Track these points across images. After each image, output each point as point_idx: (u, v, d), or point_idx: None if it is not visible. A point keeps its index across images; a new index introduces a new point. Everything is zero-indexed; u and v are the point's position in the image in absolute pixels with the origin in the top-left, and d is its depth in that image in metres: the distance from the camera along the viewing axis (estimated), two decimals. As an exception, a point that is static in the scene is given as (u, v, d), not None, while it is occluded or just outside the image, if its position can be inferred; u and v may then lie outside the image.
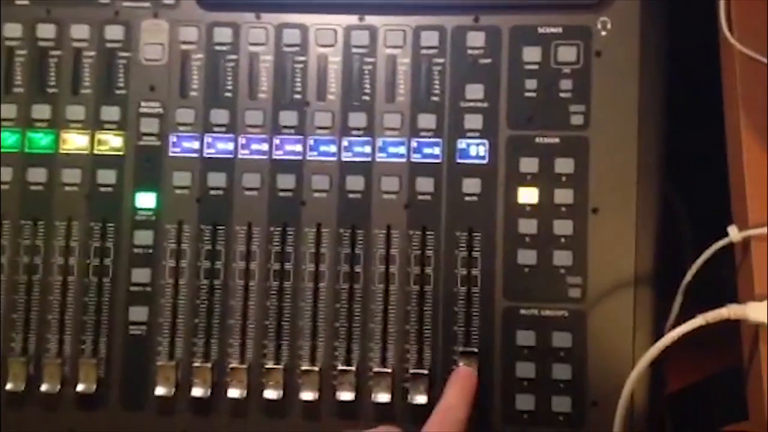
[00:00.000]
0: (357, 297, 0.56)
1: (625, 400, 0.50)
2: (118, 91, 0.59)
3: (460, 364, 0.55)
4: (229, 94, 0.59)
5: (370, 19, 0.59)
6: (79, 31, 0.60)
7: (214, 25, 0.59)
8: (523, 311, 0.55)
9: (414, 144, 0.57)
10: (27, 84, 0.59)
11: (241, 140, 0.58)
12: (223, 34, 0.59)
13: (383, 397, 0.55)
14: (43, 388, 0.56)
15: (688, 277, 0.53)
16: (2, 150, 0.59)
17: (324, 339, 0.56)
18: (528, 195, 0.56)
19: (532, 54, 0.57)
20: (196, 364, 0.56)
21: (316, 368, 0.55)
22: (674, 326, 0.52)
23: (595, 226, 0.55)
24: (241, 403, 0.56)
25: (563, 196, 0.55)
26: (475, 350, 0.55)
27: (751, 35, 0.55)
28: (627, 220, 0.55)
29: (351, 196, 0.57)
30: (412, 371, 0.55)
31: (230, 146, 0.58)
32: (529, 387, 0.54)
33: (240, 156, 0.58)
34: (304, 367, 0.56)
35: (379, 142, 0.58)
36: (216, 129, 0.58)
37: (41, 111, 0.59)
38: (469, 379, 0.53)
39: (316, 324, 0.56)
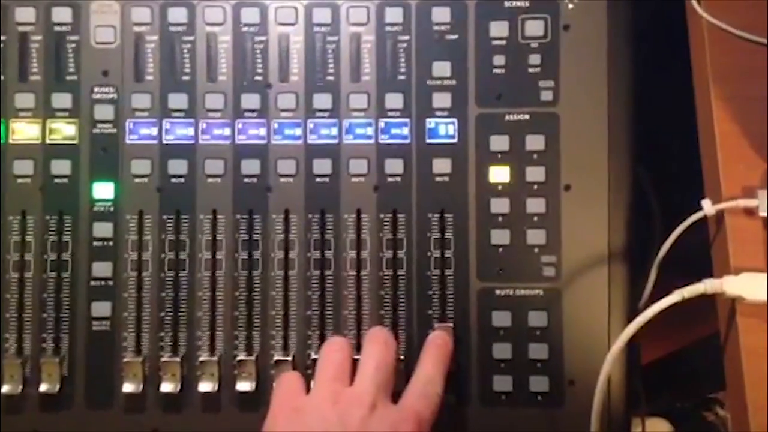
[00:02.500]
0: (328, 284, 0.50)
1: (603, 380, 0.45)
2: (68, 77, 0.51)
3: (436, 326, 0.48)
4: (187, 78, 0.51)
5: (332, -4, 0.51)
6: (24, 14, 0.51)
7: (167, 5, 0.51)
8: (498, 292, 0.49)
9: (382, 124, 0.51)
10: (-30, 71, 0.51)
11: (202, 125, 0.51)
12: (177, 14, 0.51)
13: (359, 385, 0.48)
14: (4, 389, 0.50)
15: (662, 252, 0.48)
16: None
17: (296, 328, 0.50)
18: (499, 174, 0.50)
19: (499, 29, 0.51)
20: (165, 359, 0.49)
21: (289, 358, 0.49)
22: (649, 302, 0.47)
23: (567, 204, 0.50)
24: (213, 396, 0.49)
25: (535, 173, 0.50)
26: (450, 325, 0.48)
27: (718, 5, 0.49)
28: (599, 197, 0.50)
29: (318, 180, 0.51)
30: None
31: (190, 132, 0.51)
32: (506, 368, 0.49)
33: (201, 141, 0.51)
34: (277, 358, 0.49)
35: (346, 124, 0.51)
36: (175, 114, 0.51)
37: (-13, 99, 0.50)
38: (445, 347, 0.47)
39: (288, 313, 0.50)
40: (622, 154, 0.50)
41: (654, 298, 0.47)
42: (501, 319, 0.49)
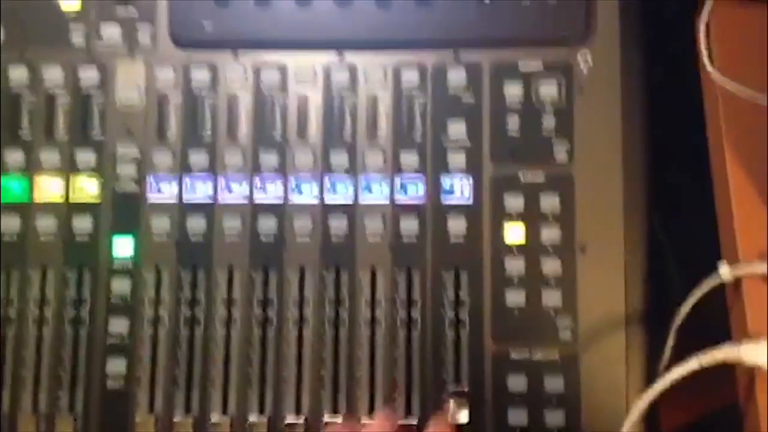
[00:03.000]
0: (343, 342, 0.48)
1: (621, 447, 0.43)
2: (93, 136, 0.51)
3: (451, 403, 0.47)
4: (207, 136, 0.51)
5: (350, 57, 0.52)
6: (52, 74, 0.51)
7: (191, 66, 0.51)
8: (513, 355, 0.48)
9: (397, 184, 0.50)
10: (-2, 129, 0.51)
11: (221, 183, 0.51)
12: (200, 75, 0.52)
13: (371, 449, 0.47)
14: (18, 447, 0.48)
15: (680, 318, 0.46)
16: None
17: (310, 388, 0.48)
18: (515, 234, 0.49)
19: (513, 90, 0.50)
20: (177, 419, 0.48)
21: (302, 421, 0.48)
22: (667, 367, 0.45)
23: (583, 265, 0.48)
24: (225, 458, 0.48)
25: (550, 234, 0.49)
26: (465, 389, 0.47)
27: (733, 67, 0.48)
28: (615, 258, 0.48)
29: (334, 238, 0.50)
30: (400, 422, 0.47)
31: (209, 189, 0.50)
32: (522, 434, 0.47)
33: (219, 199, 0.51)
34: (289, 420, 0.48)
35: (362, 181, 0.50)
36: (195, 171, 0.51)
37: (14, 157, 0.51)
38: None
39: (301, 372, 0.49)
40: (638, 215, 0.49)
41: (674, 360, 0.45)
42: (516, 383, 0.48)
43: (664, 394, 0.45)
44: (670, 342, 0.48)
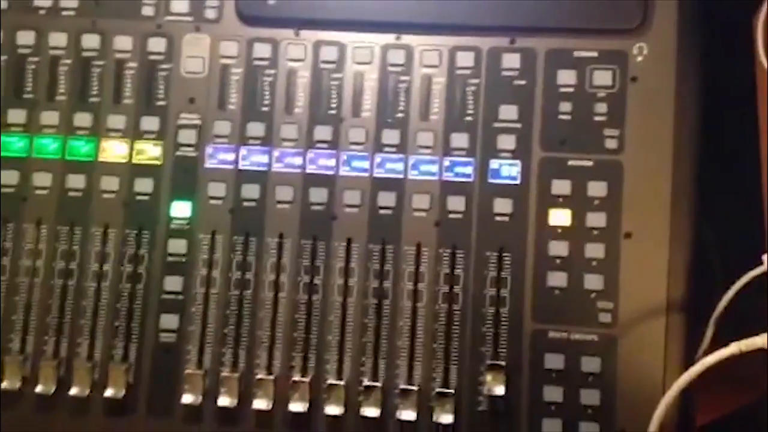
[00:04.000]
0: (385, 313, 0.49)
1: (654, 429, 0.42)
2: (158, 102, 0.53)
3: (488, 377, 0.47)
4: (265, 108, 0.52)
5: (407, 39, 0.52)
6: (123, 43, 0.53)
7: (254, 41, 0.53)
8: (552, 334, 0.48)
9: (446, 162, 0.50)
10: (70, 93, 0.53)
11: (276, 153, 0.52)
12: (262, 50, 0.53)
13: (409, 415, 0.48)
14: (73, 391, 0.50)
15: (721, 307, 0.46)
16: (44, 156, 0.52)
17: (351, 354, 0.49)
18: (560, 217, 0.49)
19: (567, 77, 0.50)
20: (224, 374, 0.49)
21: (342, 383, 0.48)
22: (706, 355, 0.45)
23: (627, 251, 0.48)
24: (267, 414, 0.49)
25: (596, 219, 0.48)
26: (502, 363, 0.47)
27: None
28: (660, 246, 0.48)
29: (382, 212, 0.50)
30: (438, 390, 0.47)
31: (265, 159, 0.52)
32: (556, 411, 0.47)
33: (274, 169, 0.52)
34: (330, 382, 0.49)
35: (412, 160, 0.51)
36: (252, 142, 0.52)
37: (83, 119, 0.52)
38: None
39: (344, 339, 0.50)
40: (684, 206, 0.49)
41: (712, 350, 0.45)
42: (554, 361, 0.48)
43: (700, 384, 0.44)
44: (710, 331, 0.47)
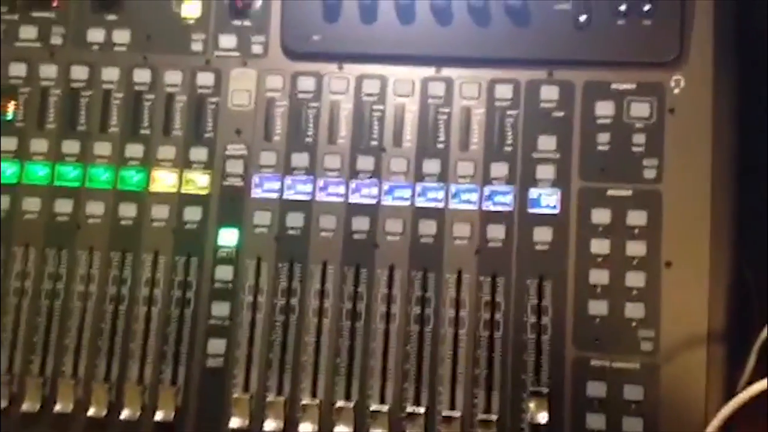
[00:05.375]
0: (427, 340, 0.49)
1: (698, 459, 0.42)
2: (206, 134, 0.54)
3: (531, 405, 0.46)
4: (309, 139, 0.53)
5: (447, 71, 0.53)
6: (173, 77, 0.54)
7: (298, 75, 0.54)
8: (593, 362, 0.48)
9: (486, 192, 0.51)
10: (122, 125, 0.54)
11: (319, 183, 0.52)
12: (306, 83, 0.54)
13: (452, 442, 0.47)
14: (124, 415, 0.50)
15: (763, 336, 0.46)
16: (96, 186, 0.53)
17: (393, 380, 0.49)
18: (600, 246, 0.49)
19: (604, 108, 0.50)
20: (270, 399, 0.50)
21: (385, 409, 0.48)
22: (748, 384, 0.44)
23: (668, 280, 0.48)
24: (312, 439, 0.49)
25: (635, 248, 0.48)
26: (545, 391, 0.47)
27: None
28: (700, 275, 0.48)
29: (423, 240, 0.51)
30: (480, 417, 0.47)
31: (309, 188, 0.52)
32: (599, 439, 0.46)
33: (317, 198, 0.52)
34: (373, 408, 0.49)
35: (452, 189, 0.51)
36: (296, 171, 0.53)
37: (134, 150, 0.54)
38: None
39: (386, 365, 0.50)
40: (724, 235, 0.48)
41: (754, 379, 0.44)
42: (596, 389, 0.47)
43: (742, 414, 0.44)
44: (752, 360, 0.47)
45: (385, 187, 0.52)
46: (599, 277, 0.48)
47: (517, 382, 0.48)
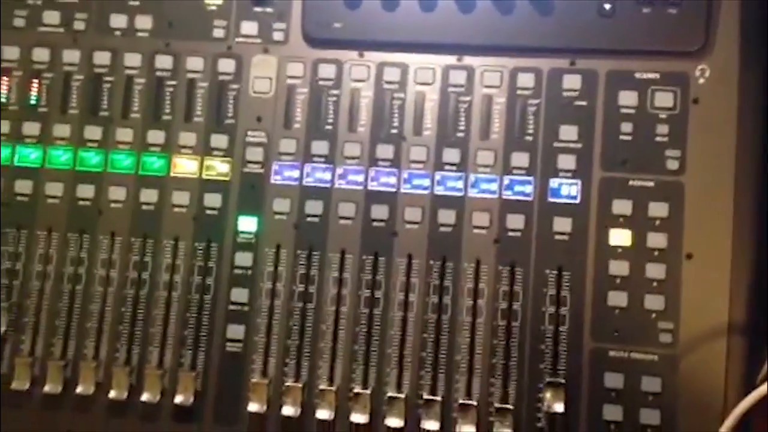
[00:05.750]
0: (444, 328, 0.50)
1: (716, 452, 0.42)
2: (227, 121, 0.54)
3: (548, 395, 0.47)
4: (329, 127, 0.53)
5: (468, 60, 0.53)
6: (194, 63, 0.55)
7: (319, 62, 0.54)
8: (611, 353, 0.48)
9: (506, 181, 0.51)
10: (143, 111, 0.55)
11: (339, 170, 0.53)
12: (327, 71, 0.54)
13: (467, 430, 0.48)
14: (144, 397, 0.51)
15: (785, 329, 0.45)
16: (118, 171, 0.54)
17: (411, 367, 0.50)
18: (620, 237, 0.49)
19: (628, 98, 0.50)
20: (288, 384, 0.50)
21: (402, 396, 0.49)
22: (767, 379, 0.44)
23: (688, 272, 0.48)
24: (329, 424, 0.50)
25: (656, 239, 0.48)
26: (562, 381, 0.47)
27: None
28: (721, 268, 0.47)
29: (442, 229, 0.51)
30: (497, 405, 0.48)
31: (328, 176, 0.53)
32: (616, 430, 0.47)
33: (337, 186, 0.53)
34: (390, 394, 0.49)
35: (472, 178, 0.51)
36: (316, 159, 0.53)
37: (156, 136, 0.54)
38: None
39: (404, 352, 0.50)
40: (746, 228, 0.48)
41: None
42: (614, 380, 0.48)
43: (760, 408, 0.43)
44: (773, 353, 0.46)
45: (405, 175, 0.52)
46: (619, 268, 0.48)
47: (534, 371, 0.49)
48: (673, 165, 0.49)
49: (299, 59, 0.55)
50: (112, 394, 0.52)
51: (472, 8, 0.53)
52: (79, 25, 0.57)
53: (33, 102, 0.56)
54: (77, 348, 0.53)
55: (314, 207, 0.53)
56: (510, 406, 0.48)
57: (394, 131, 0.53)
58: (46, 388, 0.52)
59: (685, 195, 0.49)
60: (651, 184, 0.49)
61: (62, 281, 0.54)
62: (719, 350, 0.47)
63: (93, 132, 0.56)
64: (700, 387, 0.46)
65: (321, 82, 0.54)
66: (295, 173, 0.54)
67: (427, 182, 0.52)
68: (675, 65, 0.50)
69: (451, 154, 0.52)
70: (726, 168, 0.48)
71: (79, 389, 0.52)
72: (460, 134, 0.52)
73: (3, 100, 0.57)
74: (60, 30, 0.57)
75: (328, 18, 0.54)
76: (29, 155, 0.56)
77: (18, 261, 0.54)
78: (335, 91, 0.54)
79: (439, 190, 0.52)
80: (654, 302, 0.48)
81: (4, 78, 0.57)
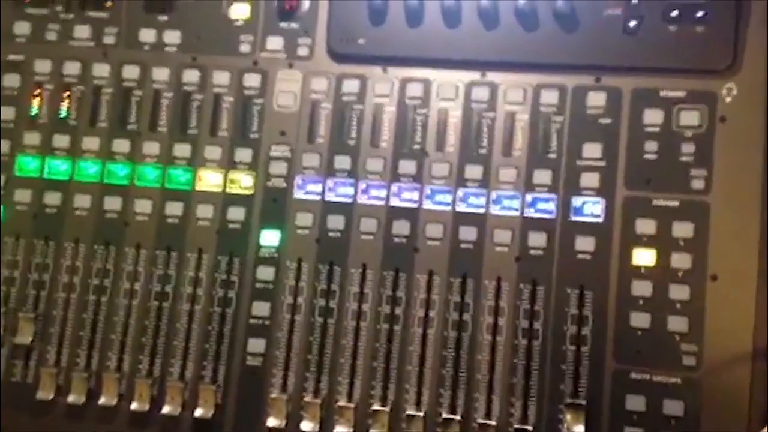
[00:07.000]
0: (464, 346, 0.51)
1: (740, 479, 0.42)
2: (251, 135, 0.56)
3: (568, 416, 0.47)
4: (352, 142, 0.55)
5: (492, 76, 0.54)
6: (221, 78, 0.57)
7: (343, 77, 0.55)
8: (633, 375, 0.48)
9: (528, 198, 0.51)
10: (170, 124, 0.57)
11: (361, 186, 0.54)
12: (351, 86, 0.55)
13: (486, 449, 0.48)
14: (165, 410, 0.53)
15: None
16: (144, 184, 0.56)
17: (429, 385, 0.51)
18: (644, 257, 0.49)
19: (653, 116, 0.51)
20: (307, 399, 0.52)
21: (421, 414, 0.50)
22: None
23: (713, 294, 0.48)
24: (347, 441, 0.51)
25: (681, 260, 0.48)
26: (583, 402, 0.47)
27: None
28: (747, 289, 0.48)
29: (463, 245, 0.52)
30: (516, 426, 0.48)
31: (350, 191, 0.54)
32: (637, 454, 0.47)
33: (359, 201, 0.54)
34: (409, 412, 0.50)
35: (494, 195, 0.52)
36: (338, 174, 0.54)
37: (182, 150, 0.56)
38: None
39: (423, 370, 0.51)
40: (774, 249, 0.48)
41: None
42: (635, 403, 0.48)
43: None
44: (800, 379, 0.46)
45: (427, 191, 0.54)
46: (642, 288, 0.49)
47: (554, 392, 0.49)
48: (698, 184, 0.49)
49: (323, 74, 0.56)
50: (134, 405, 0.53)
51: (496, 24, 0.54)
52: (109, 40, 0.59)
53: (63, 115, 0.59)
54: (101, 359, 0.55)
55: (336, 222, 0.54)
56: (530, 427, 0.49)
57: (417, 147, 0.54)
58: (70, 399, 0.54)
59: (710, 215, 0.49)
60: (676, 203, 0.49)
61: (88, 293, 0.56)
62: (743, 374, 0.47)
63: (121, 145, 0.58)
64: (723, 412, 0.47)
65: (345, 97, 0.56)
66: (318, 187, 0.55)
67: (449, 198, 0.53)
68: (702, 84, 0.50)
69: (474, 171, 0.53)
70: (753, 188, 0.49)
71: (101, 400, 0.54)
72: (483, 151, 0.53)
73: (34, 113, 0.59)
74: (90, 44, 0.59)
75: (352, 33, 0.56)
76: (59, 167, 0.58)
77: (45, 272, 0.56)
78: (359, 106, 0.55)
79: (461, 207, 0.53)
80: (677, 324, 0.48)
81: (36, 91, 0.59)
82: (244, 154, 0.56)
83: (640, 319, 0.48)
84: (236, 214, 0.55)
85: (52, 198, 0.57)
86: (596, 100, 0.52)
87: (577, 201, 0.51)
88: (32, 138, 0.58)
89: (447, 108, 0.54)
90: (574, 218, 0.51)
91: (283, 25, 0.57)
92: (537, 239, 0.51)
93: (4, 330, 0.56)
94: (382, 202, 0.54)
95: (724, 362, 0.47)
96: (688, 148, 0.50)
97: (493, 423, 0.49)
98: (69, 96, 0.59)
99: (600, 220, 0.50)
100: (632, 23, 0.51)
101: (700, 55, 0.50)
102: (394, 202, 0.54)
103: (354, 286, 0.53)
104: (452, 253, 0.52)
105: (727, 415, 0.46)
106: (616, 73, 0.51)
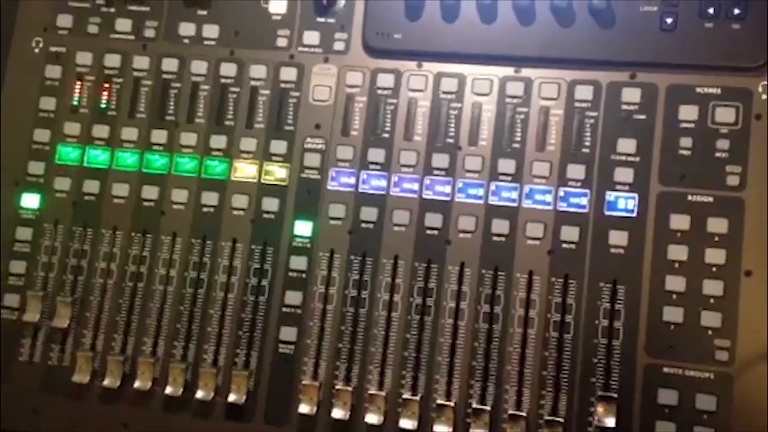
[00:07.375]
0: (495, 338, 0.51)
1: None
2: (286, 127, 0.57)
3: (599, 409, 0.48)
4: (386, 135, 0.55)
5: (527, 71, 0.54)
6: (258, 71, 0.58)
7: (378, 71, 0.56)
8: (666, 369, 0.48)
9: (561, 193, 0.52)
10: (208, 116, 0.58)
11: (394, 178, 0.55)
12: (385, 80, 0.56)
13: (516, 440, 0.49)
14: (198, 395, 0.54)
15: None
16: (182, 173, 0.57)
17: (460, 376, 0.51)
18: (677, 252, 0.49)
19: (688, 113, 0.51)
20: (338, 387, 0.52)
21: (451, 404, 0.50)
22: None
23: (747, 289, 0.48)
24: (377, 429, 0.52)
25: (715, 255, 0.49)
26: (615, 395, 0.48)
27: None
28: (782, 286, 0.47)
29: (495, 238, 0.52)
30: (547, 418, 0.49)
31: (383, 183, 0.55)
32: (668, 448, 0.47)
33: (392, 193, 0.55)
34: (439, 402, 0.51)
35: (526, 189, 0.53)
36: (372, 166, 0.55)
37: (219, 141, 0.57)
38: None
39: (453, 360, 0.52)
40: (810, 246, 0.48)
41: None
42: (667, 397, 0.48)
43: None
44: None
45: (459, 184, 0.54)
46: (675, 283, 0.49)
47: (585, 385, 0.49)
48: (733, 181, 0.50)
49: (359, 68, 0.57)
50: (168, 390, 0.55)
51: (532, 20, 0.54)
52: (149, 33, 0.61)
53: (103, 106, 0.60)
54: (136, 344, 0.56)
55: (369, 213, 0.55)
56: (560, 419, 0.49)
57: (450, 141, 0.55)
58: (105, 382, 0.56)
59: (745, 211, 0.49)
60: (710, 199, 0.50)
61: (124, 279, 0.57)
62: (778, 370, 0.47)
63: (159, 136, 0.59)
64: (755, 407, 0.47)
65: (379, 91, 0.57)
66: (352, 180, 0.56)
67: (481, 192, 0.54)
68: (737, 80, 0.51)
69: (507, 165, 0.54)
70: (789, 185, 0.49)
71: (136, 384, 0.55)
72: (516, 145, 0.54)
73: (75, 103, 0.61)
74: (131, 37, 0.61)
75: (388, 28, 0.57)
76: (98, 157, 0.60)
77: (83, 258, 0.58)
78: (393, 100, 0.56)
79: (494, 200, 0.53)
80: (711, 319, 0.48)
81: (77, 83, 0.61)
82: (279, 146, 0.57)
83: (673, 314, 0.49)
84: (270, 204, 0.56)
85: (91, 186, 0.59)
86: (631, 96, 0.52)
87: (610, 196, 0.52)
88: (72, 128, 0.60)
89: (481, 102, 0.55)
90: (607, 213, 0.51)
91: (320, 20, 0.58)
92: (570, 233, 0.51)
93: (41, 314, 0.57)
94: (414, 195, 0.55)
95: (757, 358, 0.47)
96: (723, 145, 0.50)
97: (524, 414, 0.49)
98: (109, 87, 0.60)
99: (633, 214, 0.51)
100: (668, 20, 0.52)
101: (736, 52, 0.50)
102: (427, 194, 0.55)
103: (386, 277, 0.54)
104: (484, 245, 0.53)
105: (760, 411, 0.47)
106: (652, 69, 0.52)
